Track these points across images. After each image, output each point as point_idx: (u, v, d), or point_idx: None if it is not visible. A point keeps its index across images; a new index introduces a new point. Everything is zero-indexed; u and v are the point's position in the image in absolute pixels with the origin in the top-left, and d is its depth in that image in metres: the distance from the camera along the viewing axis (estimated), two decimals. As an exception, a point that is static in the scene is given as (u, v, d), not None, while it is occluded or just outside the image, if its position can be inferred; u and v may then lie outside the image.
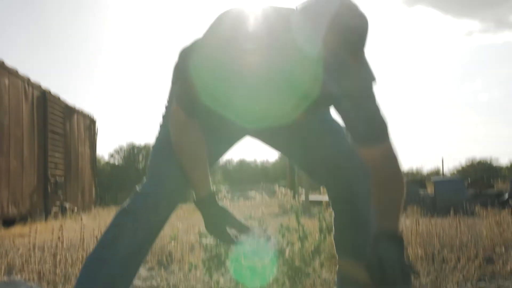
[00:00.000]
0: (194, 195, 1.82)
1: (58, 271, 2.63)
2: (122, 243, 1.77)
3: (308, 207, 15.97)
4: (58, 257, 2.68)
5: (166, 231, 6.01)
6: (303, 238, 2.77)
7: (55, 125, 15.35)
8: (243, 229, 1.86)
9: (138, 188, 1.89)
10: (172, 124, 1.80)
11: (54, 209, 14.76)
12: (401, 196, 1.72)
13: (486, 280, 3.60)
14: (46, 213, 14.16)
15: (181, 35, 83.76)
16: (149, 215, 1.81)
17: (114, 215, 1.86)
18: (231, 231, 1.87)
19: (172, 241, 3.53)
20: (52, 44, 73.66)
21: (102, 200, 24.97)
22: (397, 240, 1.62)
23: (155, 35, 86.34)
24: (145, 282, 3.57)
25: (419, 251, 3.22)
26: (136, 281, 3.53)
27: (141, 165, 46.42)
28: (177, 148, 1.79)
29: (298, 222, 2.77)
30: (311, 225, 9.32)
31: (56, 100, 15.54)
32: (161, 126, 1.96)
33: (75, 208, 16.33)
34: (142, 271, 4.07)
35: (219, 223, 1.84)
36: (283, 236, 2.85)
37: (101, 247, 1.81)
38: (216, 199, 1.86)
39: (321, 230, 2.76)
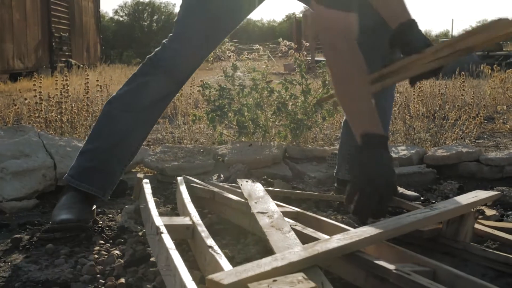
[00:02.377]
0: (359, 137, 1.48)
1: (64, 118, 2.68)
2: (149, 91, 1.86)
3: (314, 67, 15.96)
4: (64, 106, 2.72)
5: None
6: (306, 92, 2.77)
7: (57, -23, 14.90)
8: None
9: (166, 41, 1.88)
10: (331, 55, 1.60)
11: (60, 64, 14.74)
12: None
13: (484, 138, 3.67)
14: (52, 69, 14.16)
15: None
16: (177, 69, 1.87)
17: (140, 65, 1.90)
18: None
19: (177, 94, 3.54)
20: None
21: (107, 58, 24.82)
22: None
23: None
24: (150, 135, 3.65)
25: (421, 108, 3.24)
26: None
27: (146, 23, 45.82)
28: (340, 78, 1.60)
29: (302, 76, 2.77)
30: (315, 83, 9.34)
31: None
32: None
33: (81, 64, 16.33)
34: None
35: (390, 180, 1.43)
36: (286, 89, 2.86)
37: (127, 92, 1.87)
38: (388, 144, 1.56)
39: (324, 85, 2.76)
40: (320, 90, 2.80)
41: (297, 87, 2.93)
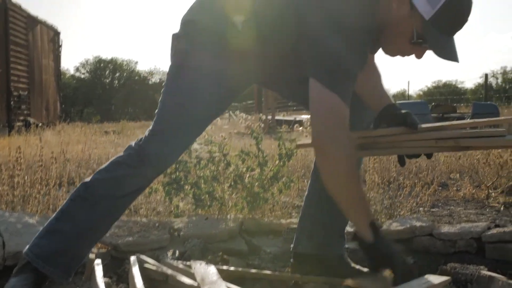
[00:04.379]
0: (367, 228, 1.66)
1: (16, 192, 2.63)
2: (131, 182, 1.87)
3: (274, 127, 16.08)
4: (16, 179, 2.67)
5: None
6: (262, 164, 2.79)
7: (17, 36, 14.85)
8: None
9: (152, 133, 1.87)
10: (341, 168, 1.64)
11: (18, 124, 14.54)
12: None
13: (439, 206, 3.73)
14: (10, 128, 13.95)
15: None
16: (164, 164, 1.92)
17: (125, 153, 1.89)
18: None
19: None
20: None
21: (67, 115, 24.62)
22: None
23: None
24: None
25: (376, 177, 3.29)
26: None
27: (107, 80, 45.87)
28: (339, 180, 1.67)
29: (258, 149, 2.79)
30: (274, 146, 9.41)
31: (18, 9, 14.96)
32: (179, 76, 1.88)
33: (40, 123, 16.14)
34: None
35: (400, 259, 1.70)
36: (243, 161, 2.88)
37: (108, 180, 1.86)
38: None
39: (280, 157, 2.79)
40: (276, 162, 2.83)
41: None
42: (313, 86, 1.65)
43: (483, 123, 1.88)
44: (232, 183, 2.79)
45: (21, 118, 15.00)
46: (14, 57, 14.45)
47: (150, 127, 1.89)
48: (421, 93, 43.52)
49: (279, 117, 16.82)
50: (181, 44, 1.87)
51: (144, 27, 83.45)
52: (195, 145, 2.85)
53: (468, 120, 1.75)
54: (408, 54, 1.76)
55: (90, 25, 77.66)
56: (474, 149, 1.67)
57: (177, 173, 2.81)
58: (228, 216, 2.79)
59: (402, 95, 44.85)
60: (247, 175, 2.82)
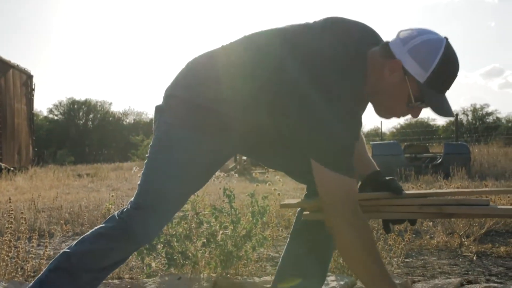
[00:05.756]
0: None
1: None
2: (114, 256, 1.87)
3: (249, 168, 16.09)
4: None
5: (99, 208, 5.90)
6: (235, 222, 2.78)
7: (-11, 81, 14.78)
8: None
9: (135, 206, 1.86)
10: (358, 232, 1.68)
11: (-11, 168, 14.35)
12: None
13: (413, 256, 3.74)
14: (-19, 173, 13.75)
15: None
16: (148, 237, 1.92)
17: (109, 224, 1.88)
18: None
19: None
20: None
21: (40, 158, 24.33)
22: None
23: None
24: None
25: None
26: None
27: (81, 121, 45.59)
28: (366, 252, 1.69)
29: (231, 206, 2.78)
30: (250, 189, 9.35)
31: (-10, 54, 14.93)
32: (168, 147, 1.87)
33: (12, 167, 15.92)
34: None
35: None
36: (216, 218, 2.86)
37: (91, 253, 1.84)
38: None
39: (253, 215, 2.78)
40: (250, 219, 2.81)
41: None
42: (318, 169, 1.68)
43: (467, 193, 1.92)
44: (205, 241, 2.77)
45: (-8, 163, 14.81)
46: (-15, 102, 14.34)
47: (133, 199, 1.88)
48: (394, 130, 43.99)
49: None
50: (163, 117, 1.89)
51: (118, 68, 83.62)
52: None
53: (452, 190, 1.79)
54: (404, 115, 1.80)
55: (63, 66, 77.69)
56: (458, 217, 1.71)
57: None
58: (202, 275, 2.76)
59: (376, 132, 45.28)
60: (220, 233, 2.80)
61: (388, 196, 1.81)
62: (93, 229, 1.90)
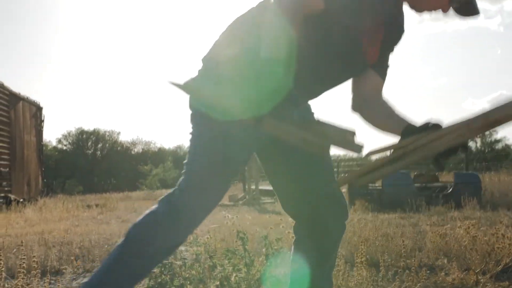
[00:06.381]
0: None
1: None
2: (161, 241, 1.89)
3: (258, 198, 16.01)
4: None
5: (109, 241, 5.85)
6: (249, 265, 2.75)
7: (-1, 114, 14.90)
8: None
9: (179, 192, 1.90)
10: None
11: (-1, 201, 14.37)
12: None
13: (428, 295, 3.68)
14: (-10, 205, 13.77)
15: (125, 13, 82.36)
16: (192, 225, 1.93)
17: (159, 204, 1.92)
18: None
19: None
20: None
21: (49, 188, 24.36)
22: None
23: (100, 17, 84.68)
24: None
25: (364, 272, 3.23)
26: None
27: (90, 151, 45.76)
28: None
29: (245, 249, 2.76)
30: (260, 220, 9.31)
31: (0, 87, 15.07)
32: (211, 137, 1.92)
33: (21, 199, 15.95)
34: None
35: None
36: (229, 260, 2.83)
37: (137, 240, 1.89)
38: None
39: (267, 258, 2.76)
40: (263, 262, 2.79)
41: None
42: None
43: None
44: (219, 285, 2.73)
45: (2, 194, 14.84)
46: (-4, 135, 14.44)
47: (182, 178, 1.91)
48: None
49: (263, 186, 16.77)
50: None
51: (126, 97, 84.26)
52: (181, 247, 2.80)
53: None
54: (441, 7, 1.88)
55: (71, 97, 78.34)
56: (503, 122, 1.67)
57: (163, 276, 2.76)
58: (216, 320, 2.73)
59: (384, 160, 45.07)
60: (234, 275, 2.77)
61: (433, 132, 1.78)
62: (146, 211, 1.94)
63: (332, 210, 2.04)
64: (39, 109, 19.05)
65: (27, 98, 17.65)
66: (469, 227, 3.83)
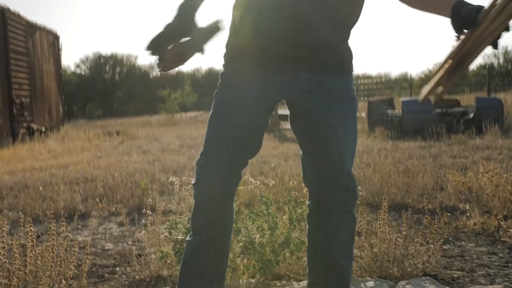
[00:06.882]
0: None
1: (28, 269, 2.59)
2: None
3: (277, 123, 16.01)
4: (29, 255, 2.62)
5: (132, 178, 5.91)
6: (273, 228, 2.78)
7: (17, 44, 14.85)
8: None
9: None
10: None
11: (21, 131, 14.57)
12: None
13: (450, 242, 3.70)
14: (14, 137, 13.99)
15: None
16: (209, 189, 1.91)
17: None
18: None
19: (142, 231, 3.49)
20: None
21: (69, 113, 24.57)
22: None
23: None
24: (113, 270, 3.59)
25: (387, 229, 3.23)
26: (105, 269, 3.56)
27: (108, 75, 45.73)
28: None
29: (269, 213, 2.78)
30: (280, 150, 9.30)
31: (17, 17, 14.94)
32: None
33: (43, 128, 16.16)
34: (111, 261, 4.10)
35: None
36: (252, 222, 2.86)
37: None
38: None
39: (291, 222, 2.78)
40: (287, 226, 2.81)
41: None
42: None
43: None
44: (244, 249, 2.77)
45: (24, 125, 15.04)
46: (14, 65, 14.46)
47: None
48: (423, 76, 43.29)
49: (282, 110, 16.66)
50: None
51: (142, 21, 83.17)
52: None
53: None
54: None
55: (88, 22, 77.49)
56: None
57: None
58: (241, 281, 2.79)
59: (404, 78, 44.64)
60: (258, 236, 2.80)
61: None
62: None
63: (337, 215, 1.96)
64: (56, 37, 18.94)
65: (44, 27, 17.52)
66: (492, 176, 3.79)
